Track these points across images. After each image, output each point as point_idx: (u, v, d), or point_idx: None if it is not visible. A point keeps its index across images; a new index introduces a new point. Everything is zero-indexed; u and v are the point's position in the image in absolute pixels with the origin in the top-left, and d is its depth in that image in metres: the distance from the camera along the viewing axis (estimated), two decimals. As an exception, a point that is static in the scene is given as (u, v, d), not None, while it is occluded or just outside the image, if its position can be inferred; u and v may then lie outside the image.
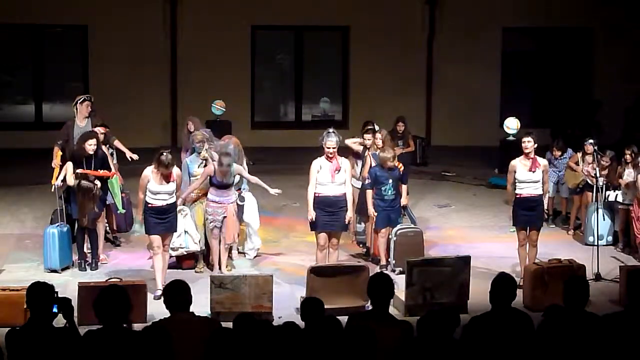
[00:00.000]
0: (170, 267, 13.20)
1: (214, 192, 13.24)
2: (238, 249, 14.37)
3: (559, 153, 16.45)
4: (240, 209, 13.84)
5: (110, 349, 6.98)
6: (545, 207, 15.48)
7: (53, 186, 13.92)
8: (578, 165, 15.85)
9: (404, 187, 14.11)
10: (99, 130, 14.37)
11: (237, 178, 13.62)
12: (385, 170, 13.83)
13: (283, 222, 16.29)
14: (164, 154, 12.49)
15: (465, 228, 16.60)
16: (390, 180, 13.82)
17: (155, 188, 12.53)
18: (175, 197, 12.75)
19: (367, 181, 13.98)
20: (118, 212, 14.61)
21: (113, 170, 14.16)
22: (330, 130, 12.88)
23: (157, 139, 21.78)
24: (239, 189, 14.01)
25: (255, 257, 14.38)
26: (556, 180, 16.29)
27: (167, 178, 12.53)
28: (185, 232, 13.39)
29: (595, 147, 15.40)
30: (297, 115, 25.05)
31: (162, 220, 12.58)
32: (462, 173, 21.08)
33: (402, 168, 14.17)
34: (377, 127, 15.07)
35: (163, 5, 23.45)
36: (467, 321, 7.83)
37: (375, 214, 13.77)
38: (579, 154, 15.97)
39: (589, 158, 15.58)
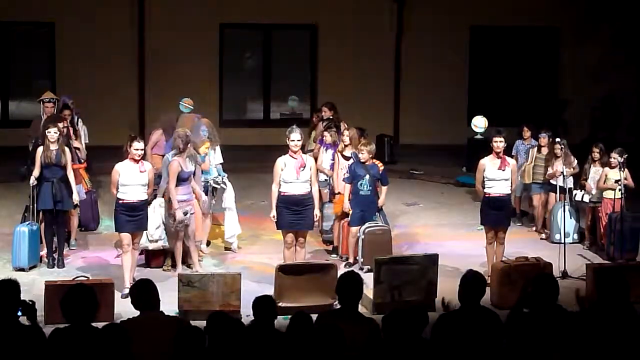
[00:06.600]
0: (138, 265, 13.16)
1: (180, 191, 13.15)
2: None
3: (529, 134, 16.54)
4: (219, 197, 14.16)
5: (76, 347, 6.95)
6: (515, 206, 15.58)
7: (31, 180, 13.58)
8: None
9: (383, 189, 14.16)
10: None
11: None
12: (363, 165, 13.85)
13: (250, 220, 16.24)
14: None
15: (433, 226, 16.63)
16: (367, 176, 13.84)
17: (127, 181, 12.50)
18: (147, 194, 12.74)
19: (345, 175, 14.02)
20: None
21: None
22: (294, 126, 13.03)
23: (125, 138, 21.53)
24: (219, 175, 14.37)
25: (238, 247, 14.70)
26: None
27: (138, 168, 12.54)
28: (163, 223, 13.35)
29: (562, 146, 15.46)
30: (265, 113, 25.01)
31: (133, 217, 12.54)
32: (430, 171, 21.11)
33: (382, 167, 14.22)
34: (345, 126, 15.19)
35: (131, 2, 23.34)
36: (436, 319, 7.85)
37: (351, 209, 13.82)
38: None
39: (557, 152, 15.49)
